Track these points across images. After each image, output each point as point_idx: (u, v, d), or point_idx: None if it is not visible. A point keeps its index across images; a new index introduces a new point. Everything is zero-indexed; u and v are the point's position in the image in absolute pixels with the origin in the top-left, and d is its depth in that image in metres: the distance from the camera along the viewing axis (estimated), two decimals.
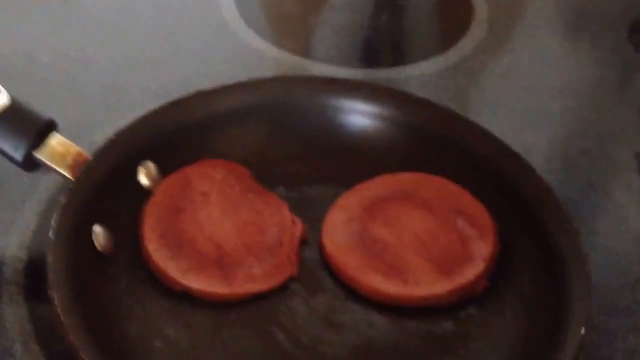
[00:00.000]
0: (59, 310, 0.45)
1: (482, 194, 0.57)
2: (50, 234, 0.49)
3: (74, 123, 0.62)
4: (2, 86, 0.54)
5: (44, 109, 0.55)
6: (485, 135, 0.59)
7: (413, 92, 0.63)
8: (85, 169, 0.52)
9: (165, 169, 0.57)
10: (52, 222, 0.49)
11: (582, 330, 0.47)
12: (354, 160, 0.60)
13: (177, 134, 0.58)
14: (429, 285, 0.53)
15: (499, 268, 0.54)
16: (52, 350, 0.50)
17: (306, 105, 0.61)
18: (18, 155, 0.52)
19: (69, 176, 0.53)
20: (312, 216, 0.57)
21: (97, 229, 0.52)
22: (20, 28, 0.74)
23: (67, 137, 0.55)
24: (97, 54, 0.72)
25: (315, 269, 0.55)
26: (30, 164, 0.53)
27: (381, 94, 0.61)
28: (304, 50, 0.76)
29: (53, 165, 0.53)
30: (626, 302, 0.56)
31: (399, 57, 0.78)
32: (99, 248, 0.52)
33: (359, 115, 0.61)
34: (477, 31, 0.79)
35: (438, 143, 0.60)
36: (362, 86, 0.62)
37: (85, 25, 0.75)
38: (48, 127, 0.53)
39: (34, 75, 0.69)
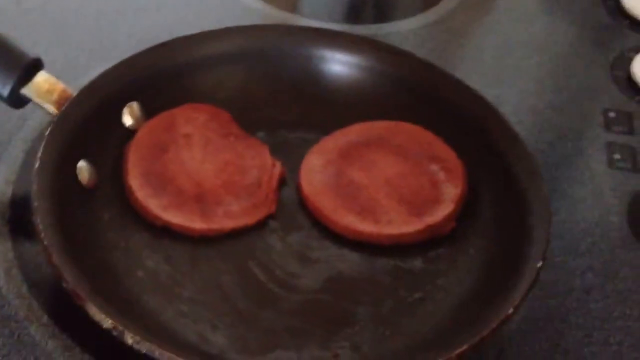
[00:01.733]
0: (42, 233, 0.46)
1: (453, 141, 0.59)
2: (35, 164, 0.50)
3: (60, 66, 0.63)
4: None
5: (32, 51, 0.56)
6: (458, 84, 0.60)
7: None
8: (69, 105, 0.53)
9: (149, 111, 0.58)
10: (38, 154, 0.50)
11: (538, 264, 0.49)
12: (334, 108, 0.61)
13: (162, 76, 0.59)
14: (399, 225, 0.55)
15: (466, 210, 0.56)
16: (32, 277, 0.51)
17: (289, 53, 0.61)
18: (4, 91, 0.53)
19: (54, 111, 0.53)
20: (292, 160, 0.58)
21: (81, 163, 0.53)
22: None
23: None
24: (82, 1, 0.72)
25: (293, 208, 0.56)
26: (17, 101, 0.54)
27: (362, 44, 0.62)
28: (288, 4, 0.77)
29: (39, 101, 0.54)
30: (585, 244, 0.58)
31: (381, 15, 0.79)
32: (82, 182, 0.53)
33: (340, 64, 0.62)
34: None
35: (414, 92, 0.61)
36: (343, 36, 0.63)
37: None
38: (35, 65, 0.54)
39: (22, 19, 0.69)
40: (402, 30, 0.75)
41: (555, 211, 0.59)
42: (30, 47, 0.57)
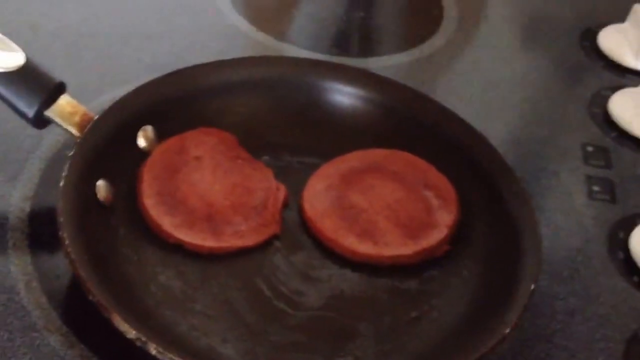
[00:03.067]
0: (68, 248, 0.48)
1: (446, 169, 0.61)
2: (61, 183, 0.51)
3: (71, 90, 0.64)
4: None
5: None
6: (452, 116, 0.63)
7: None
8: (91, 127, 0.55)
9: (162, 134, 0.60)
10: (63, 173, 0.52)
11: (532, 286, 0.51)
12: (334, 135, 0.64)
13: (175, 102, 0.61)
14: (397, 247, 0.57)
15: (460, 234, 0.59)
16: (51, 289, 0.53)
17: (294, 83, 0.64)
18: (30, 112, 0.55)
19: (76, 133, 0.55)
20: (294, 183, 0.60)
21: (100, 182, 0.55)
22: (25, 1, 0.76)
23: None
24: (96, 26, 0.74)
25: (296, 230, 0.59)
26: (40, 122, 0.56)
27: (361, 76, 0.65)
28: (284, 35, 0.79)
29: (62, 123, 0.55)
30: (568, 270, 0.61)
31: (370, 49, 0.82)
32: (101, 199, 0.55)
33: (341, 95, 0.64)
34: (446, 30, 0.83)
35: (409, 123, 0.63)
36: (345, 68, 0.65)
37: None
38: (59, 89, 0.56)
39: (37, 44, 0.70)
40: (392, 65, 0.77)
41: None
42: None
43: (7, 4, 0.74)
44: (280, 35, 0.79)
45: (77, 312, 0.51)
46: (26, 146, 0.61)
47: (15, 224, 0.56)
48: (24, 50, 0.57)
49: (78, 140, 0.54)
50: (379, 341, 0.53)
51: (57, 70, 0.66)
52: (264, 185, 0.60)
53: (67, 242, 0.48)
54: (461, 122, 0.62)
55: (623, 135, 0.73)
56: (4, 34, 0.57)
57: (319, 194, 0.60)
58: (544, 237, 0.62)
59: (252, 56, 0.64)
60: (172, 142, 0.60)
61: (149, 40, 0.74)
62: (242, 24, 0.78)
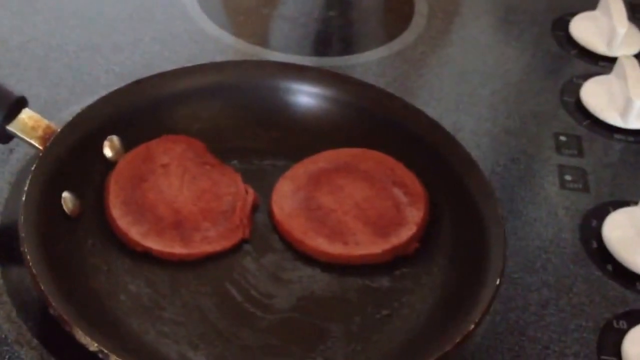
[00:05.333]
0: (29, 263, 0.48)
1: (415, 167, 0.61)
2: (23, 197, 0.51)
3: (42, 102, 0.65)
4: None
5: (15, 88, 0.57)
6: (417, 113, 0.62)
7: (357, 77, 0.66)
8: (54, 140, 0.55)
9: (128, 143, 0.60)
10: (25, 187, 0.52)
11: (497, 281, 0.51)
12: (302, 136, 0.63)
13: (140, 111, 0.60)
14: (366, 246, 0.57)
15: (430, 230, 0.58)
16: (21, 302, 0.52)
17: (259, 87, 0.63)
18: None
19: (39, 147, 0.55)
20: (263, 186, 0.60)
21: (65, 194, 0.54)
22: None
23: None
24: (64, 38, 0.73)
25: (266, 232, 0.58)
26: (3, 137, 0.56)
27: (326, 77, 0.64)
28: (259, 39, 0.79)
29: (24, 137, 0.55)
30: (540, 261, 0.60)
31: (346, 47, 0.81)
32: (67, 211, 0.54)
33: (306, 96, 0.64)
34: (417, 25, 0.83)
35: (376, 121, 0.63)
36: (309, 70, 0.65)
37: (53, 12, 0.77)
38: (20, 103, 0.56)
39: (5, 57, 0.70)
40: (365, 62, 0.77)
41: (511, 230, 0.61)
42: (14, 83, 0.59)
43: None
44: (255, 39, 0.78)
45: (47, 325, 0.51)
46: None
47: None
48: None
49: (40, 154, 0.54)
50: (349, 341, 0.52)
51: (26, 84, 0.67)
52: (232, 189, 0.59)
53: (28, 256, 0.48)
54: (426, 118, 0.62)
55: (595, 123, 0.72)
56: None
57: (287, 196, 0.59)
58: (515, 228, 0.62)
59: (215, 62, 0.64)
60: (138, 150, 0.60)
61: (118, 50, 0.73)
62: (214, 29, 0.78)
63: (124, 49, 0.73)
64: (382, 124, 0.63)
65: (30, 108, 0.57)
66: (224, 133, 0.63)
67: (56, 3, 0.78)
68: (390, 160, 0.62)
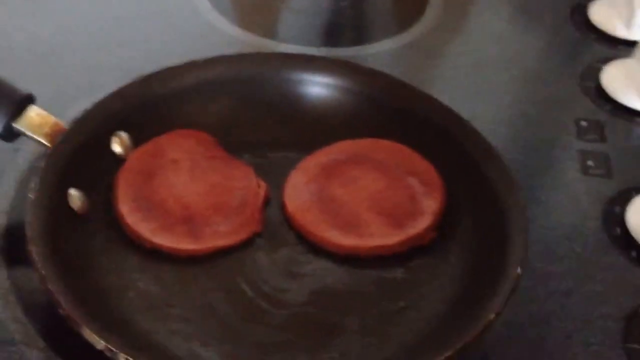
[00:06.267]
0: (37, 263, 0.46)
1: (431, 155, 0.59)
2: (29, 194, 0.50)
3: (49, 100, 0.62)
4: None
5: (21, 86, 0.56)
6: (432, 101, 0.60)
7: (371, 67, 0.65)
8: (62, 137, 0.54)
9: (138, 139, 0.58)
10: (31, 184, 0.51)
11: (518, 270, 0.49)
12: (314, 128, 0.61)
13: (148, 106, 0.59)
14: (381, 237, 0.55)
15: (446, 220, 0.56)
16: (28, 303, 0.51)
17: (269, 79, 0.62)
18: None
19: (47, 144, 0.54)
20: (276, 179, 0.58)
21: (73, 191, 0.53)
22: None
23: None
24: (70, 36, 0.72)
25: (278, 226, 0.56)
26: (9, 134, 0.54)
27: (336, 66, 0.62)
28: (268, 31, 0.77)
29: (31, 135, 0.54)
30: (563, 249, 0.58)
31: (358, 38, 0.79)
32: (75, 209, 0.53)
33: (317, 87, 0.62)
34: (432, 14, 0.81)
35: (390, 110, 0.61)
36: (319, 60, 0.63)
37: (60, 9, 0.76)
38: (26, 100, 0.54)
39: (11, 55, 0.69)
40: (378, 52, 0.75)
41: (532, 218, 0.59)
42: (20, 81, 0.57)
43: None
44: (264, 32, 0.76)
45: (55, 326, 0.49)
46: (1, 158, 0.60)
47: None
48: None
49: (47, 152, 0.53)
50: (365, 334, 0.50)
51: (32, 81, 0.65)
52: (244, 183, 0.58)
53: (35, 256, 0.46)
54: (440, 105, 0.60)
55: (617, 108, 0.69)
56: None
57: (299, 188, 0.57)
58: (537, 216, 0.60)
59: (224, 55, 0.62)
60: (147, 146, 0.58)
61: (126, 47, 0.72)
62: (223, 23, 0.76)
63: (131, 45, 0.72)
64: (395, 113, 0.61)
65: (38, 106, 0.56)
66: (235, 126, 0.61)
67: (61, 1, 0.77)
68: (405, 150, 0.60)
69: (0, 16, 0.74)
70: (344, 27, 0.81)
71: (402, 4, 0.85)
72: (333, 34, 0.80)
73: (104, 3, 0.77)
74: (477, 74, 0.73)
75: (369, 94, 0.62)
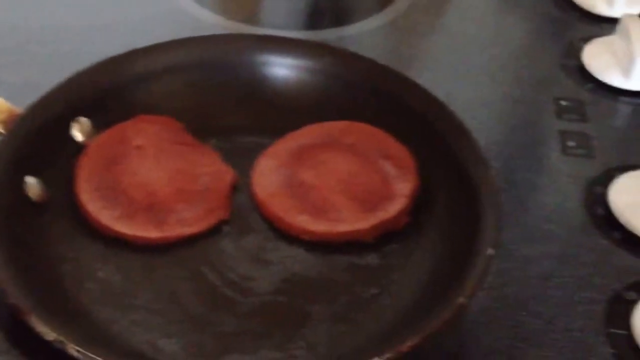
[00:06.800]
0: None
1: (404, 137, 0.56)
2: None
3: (18, 87, 0.61)
4: None
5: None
6: (405, 81, 0.58)
7: (351, 49, 0.62)
8: (16, 123, 0.51)
9: (100, 125, 0.56)
10: None
11: (490, 251, 0.46)
12: (285, 111, 0.59)
13: (111, 91, 0.57)
14: (352, 222, 0.52)
15: (419, 204, 0.54)
16: None
17: (235, 61, 0.59)
18: None
19: (2, 130, 0.51)
20: (244, 164, 0.56)
21: (30, 179, 0.51)
22: None
23: (10, 100, 0.53)
24: (41, 22, 0.70)
25: (247, 212, 0.54)
26: None
27: (305, 47, 0.60)
28: (244, 16, 0.75)
29: None
30: (542, 232, 0.56)
31: (338, 19, 0.77)
32: (32, 197, 0.51)
33: (286, 69, 0.59)
34: None
35: (361, 91, 0.58)
36: (286, 41, 0.61)
37: None
38: None
39: None
40: (357, 33, 0.73)
41: (512, 199, 0.57)
42: None
43: None
44: (240, 17, 0.74)
45: (24, 332, 0.46)
46: None
47: None
48: None
49: (2, 139, 0.51)
50: (334, 323, 0.48)
51: (5, 68, 0.63)
52: (210, 169, 0.55)
53: None
54: (414, 85, 0.57)
55: (598, 86, 0.67)
56: None
57: (268, 174, 0.55)
58: (515, 197, 0.58)
59: (189, 37, 0.59)
60: (110, 132, 0.56)
61: (96, 32, 0.69)
62: (197, 9, 0.74)
63: (105, 33, 0.69)
64: (367, 94, 0.58)
65: (5, 93, 0.53)
66: (202, 111, 0.58)
67: None
68: (377, 132, 0.57)
69: None
70: (324, 10, 0.79)
71: None
72: (314, 16, 0.77)
73: None
74: (456, 54, 0.71)
75: (339, 75, 0.59)
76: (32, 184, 0.51)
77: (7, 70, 0.64)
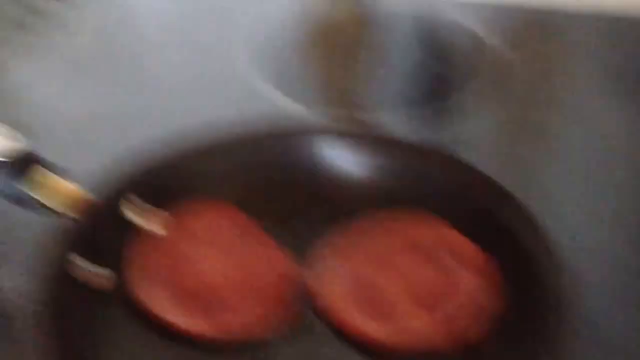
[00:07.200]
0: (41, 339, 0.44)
1: (471, 232, 0.53)
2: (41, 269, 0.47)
3: (86, 171, 0.59)
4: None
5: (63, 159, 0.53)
6: (468, 170, 0.55)
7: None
8: (86, 209, 0.51)
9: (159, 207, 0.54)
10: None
11: None
12: (339, 197, 0.57)
13: (169, 173, 0.56)
14: (418, 329, 0.48)
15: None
16: None
17: (303, 161, 0.58)
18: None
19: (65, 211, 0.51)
20: (297, 250, 0.53)
21: (88, 265, 0.49)
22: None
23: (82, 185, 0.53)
24: (114, 105, 0.69)
25: (306, 311, 0.50)
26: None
27: (367, 142, 0.58)
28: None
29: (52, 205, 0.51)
30: None
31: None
32: (89, 284, 0.49)
33: (351, 165, 0.58)
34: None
35: (420, 181, 0.56)
36: (353, 136, 0.59)
37: (105, 78, 0.74)
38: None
39: (56, 128, 0.66)
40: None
41: None
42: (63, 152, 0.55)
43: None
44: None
45: None
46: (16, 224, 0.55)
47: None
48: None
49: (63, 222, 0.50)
50: None
51: (68, 152, 0.59)
52: (272, 265, 0.52)
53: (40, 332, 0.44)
54: (480, 175, 0.54)
55: None
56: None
57: (331, 273, 0.52)
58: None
59: (260, 134, 0.58)
60: (171, 217, 0.54)
61: (170, 116, 0.66)
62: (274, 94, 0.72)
63: (172, 117, 0.66)
64: (425, 182, 0.56)
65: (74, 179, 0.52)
66: (255, 194, 0.57)
67: (109, 68, 0.75)
68: (439, 224, 0.54)
69: (43, 91, 0.72)
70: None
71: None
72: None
73: (154, 72, 0.75)
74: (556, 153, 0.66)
75: (398, 167, 0.57)
76: (98, 273, 0.50)
77: (71, 153, 0.61)
